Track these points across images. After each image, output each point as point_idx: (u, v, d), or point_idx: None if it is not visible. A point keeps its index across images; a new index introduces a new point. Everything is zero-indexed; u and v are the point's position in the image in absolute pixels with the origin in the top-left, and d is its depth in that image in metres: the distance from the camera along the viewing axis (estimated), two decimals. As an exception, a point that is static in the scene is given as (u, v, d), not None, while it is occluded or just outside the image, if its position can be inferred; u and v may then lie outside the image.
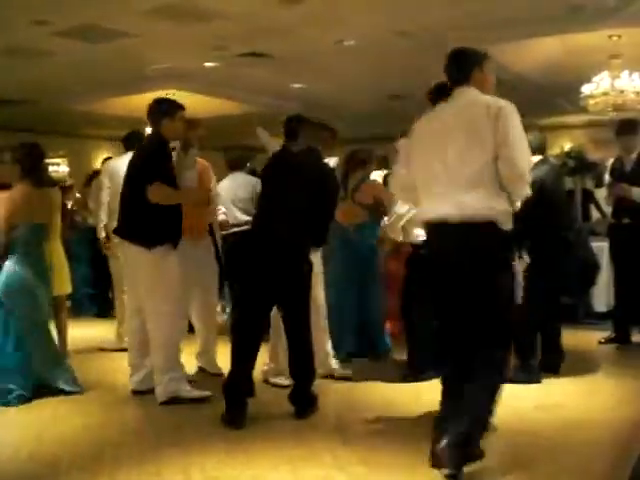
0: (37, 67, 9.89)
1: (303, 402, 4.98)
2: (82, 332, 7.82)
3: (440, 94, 4.37)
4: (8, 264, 5.61)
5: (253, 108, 12.48)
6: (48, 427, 4.81)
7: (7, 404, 5.28)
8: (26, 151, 5.85)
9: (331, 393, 5.40)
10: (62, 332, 6.86)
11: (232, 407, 4.74)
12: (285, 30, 8.23)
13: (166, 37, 8.55)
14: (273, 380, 5.72)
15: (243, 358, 4.85)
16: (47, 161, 7.91)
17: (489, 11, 7.66)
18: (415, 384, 5.62)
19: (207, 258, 6.17)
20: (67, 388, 5.61)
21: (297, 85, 11.25)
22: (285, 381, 5.46)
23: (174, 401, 5.20)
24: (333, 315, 6.03)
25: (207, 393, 5.30)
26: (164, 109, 5.43)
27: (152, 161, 5.25)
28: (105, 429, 4.78)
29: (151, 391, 5.31)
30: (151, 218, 5.18)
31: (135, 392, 5.51)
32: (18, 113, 13.31)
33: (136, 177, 5.28)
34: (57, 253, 6.66)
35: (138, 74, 10.32)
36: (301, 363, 4.98)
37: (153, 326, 5.29)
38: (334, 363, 5.94)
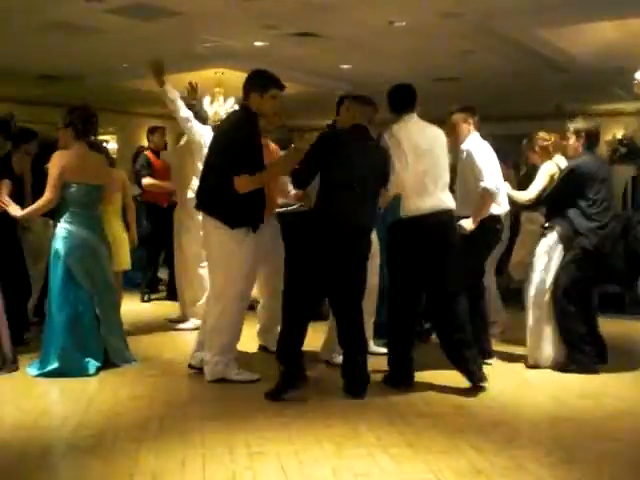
0: (87, 44, 9.96)
1: (354, 377, 5.00)
2: (134, 307, 7.88)
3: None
4: (63, 226, 5.59)
5: (301, 88, 12.45)
6: (95, 398, 4.89)
7: (86, 373, 5.42)
8: (79, 113, 5.88)
9: (376, 375, 5.37)
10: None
11: (291, 370, 4.87)
12: (336, 10, 8.17)
13: (217, 15, 8.54)
14: (335, 360, 5.69)
15: (299, 333, 4.95)
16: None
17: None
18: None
19: (276, 235, 6.11)
20: (121, 363, 5.70)
21: (346, 66, 11.20)
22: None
23: (222, 381, 5.23)
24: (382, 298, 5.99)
25: (256, 376, 5.29)
26: (256, 82, 5.25)
27: (239, 144, 5.06)
28: (151, 402, 4.84)
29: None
30: (237, 198, 5.05)
31: (191, 366, 5.50)
32: (68, 89, 13.43)
33: (223, 157, 5.11)
34: (117, 229, 6.83)
35: (187, 52, 10.34)
36: (352, 335, 5.03)
37: (216, 306, 5.23)
38: (373, 346, 5.95)
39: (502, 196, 5.86)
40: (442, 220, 5.17)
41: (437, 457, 3.88)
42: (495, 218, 5.78)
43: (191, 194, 6.74)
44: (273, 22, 8.80)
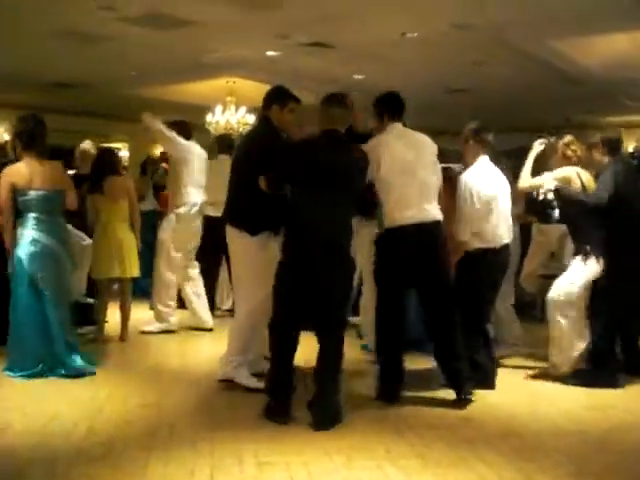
0: (99, 52, 10.01)
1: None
2: (143, 314, 7.90)
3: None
4: (23, 232, 5.67)
5: (313, 98, 12.47)
6: (105, 405, 4.90)
7: (30, 376, 5.52)
8: (24, 126, 5.90)
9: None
10: (125, 314, 7.03)
11: (279, 402, 4.70)
12: (349, 20, 8.20)
13: (229, 25, 8.57)
14: None
15: (288, 354, 4.78)
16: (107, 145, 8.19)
17: (551, 6, 7.52)
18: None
19: None
20: (81, 367, 5.71)
21: (358, 76, 11.22)
22: None
23: (230, 382, 5.29)
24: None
25: (262, 385, 5.21)
26: (278, 96, 5.44)
27: (264, 148, 5.15)
28: (160, 410, 4.85)
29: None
30: (257, 205, 5.14)
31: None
32: (79, 97, 13.51)
33: (247, 163, 5.26)
34: (126, 237, 6.90)
35: (199, 61, 10.38)
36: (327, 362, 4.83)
37: (243, 308, 5.33)
38: None
39: (502, 228, 5.54)
40: (425, 231, 5.04)
41: (446, 470, 3.88)
42: (488, 251, 5.48)
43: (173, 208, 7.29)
44: (285, 32, 8.83)
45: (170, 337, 7.27)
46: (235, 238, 5.33)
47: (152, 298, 7.61)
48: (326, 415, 4.55)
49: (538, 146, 6.18)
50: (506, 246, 5.55)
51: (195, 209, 7.37)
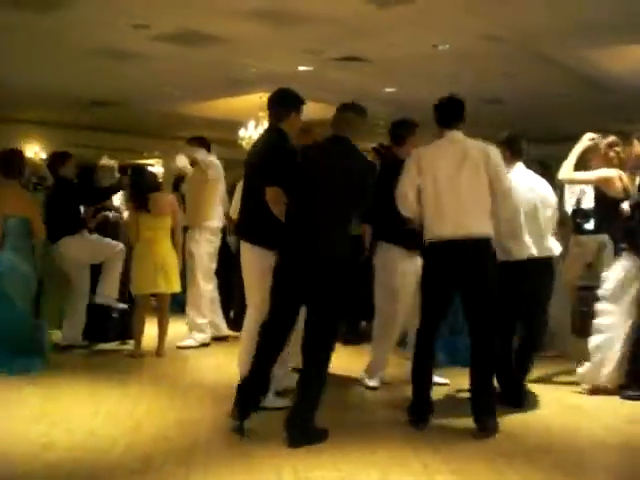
0: (134, 70, 10.16)
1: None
2: (180, 329, 7.98)
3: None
4: (11, 259, 6.32)
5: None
6: (143, 421, 4.93)
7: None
8: (5, 157, 6.63)
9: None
10: (162, 329, 7.10)
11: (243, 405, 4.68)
12: (380, 34, 8.23)
13: (261, 41, 8.66)
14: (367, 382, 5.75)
15: (269, 360, 4.75)
16: (142, 162, 8.41)
17: (583, 15, 7.49)
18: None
19: None
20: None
21: (389, 89, 11.24)
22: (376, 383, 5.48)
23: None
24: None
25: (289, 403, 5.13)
26: (294, 101, 5.22)
27: (276, 161, 4.95)
28: (197, 425, 4.87)
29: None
30: (272, 219, 4.90)
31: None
32: (114, 115, 13.70)
33: (258, 176, 5.07)
34: (169, 252, 7.00)
35: (232, 77, 10.48)
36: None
37: (252, 319, 5.18)
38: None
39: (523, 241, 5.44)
40: (463, 247, 4.77)
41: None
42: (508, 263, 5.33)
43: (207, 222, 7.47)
44: (316, 47, 8.89)
45: (205, 352, 7.34)
46: (247, 251, 5.21)
47: (188, 311, 7.68)
48: (294, 430, 4.45)
49: (586, 141, 6.07)
50: (536, 260, 5.41)
51: (223, 222, 7.57)
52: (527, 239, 5.37)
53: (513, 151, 5.57)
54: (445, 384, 5.87)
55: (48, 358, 6.50)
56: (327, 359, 4.61)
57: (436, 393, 5.36)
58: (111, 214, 7.88)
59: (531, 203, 5.40)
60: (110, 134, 14.97)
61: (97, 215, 7.97)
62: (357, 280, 7.18)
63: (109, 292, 7.36)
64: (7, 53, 9.20)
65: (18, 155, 6.74)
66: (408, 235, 5.33)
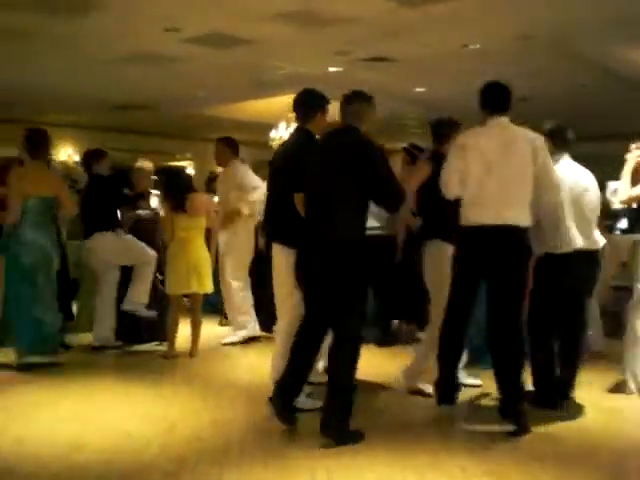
0: (164, 73, 10.23)
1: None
2: (213, 330, 8.03)
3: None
4: (25, 233, 6.34)
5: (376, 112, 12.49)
6: (176, 422, 4.94)
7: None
8: (28, 136, 6.63)
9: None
10: (195, 329, 7.12)
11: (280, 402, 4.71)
12: (410, 34, 8.21)
13: (290, 43, 8.68)
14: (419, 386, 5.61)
15: (305, 364, 4.77)
16: (174, 164, 8.45)
17: (614, 12, 7.40)
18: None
19: None
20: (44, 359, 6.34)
21: (420, 89, 11.21)
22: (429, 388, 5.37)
23: None
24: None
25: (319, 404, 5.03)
26: (319, 102, 5.23)
27: (302, 167, 4.88)
28: (231, 426, 4.87)
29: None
30: (300, 220, 4.88)
31: None
32: (146, 117, 13.81)
33: (285, 181, 5.07)
34: (203, 252, 7.02)
35: (262, 79, 10.51)
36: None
37: (284, 321, 5.22)
38: (466, 377, 5.81)
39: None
40: (500, 235, 4.71)
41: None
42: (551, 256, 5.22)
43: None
44: (346, 48, 8.89)
45: (238, 352, 7.36)
46: (278, 252, 5.20)
47: (225, 311, 7.82)
48: (329, 430, 4.45)
49: (635, 157, 5.78)
50: (581, 252, 5.23)
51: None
52: (574, 231, 5.22)
53: (558, 142, 5.41)
54: (477, 385, 5.82)
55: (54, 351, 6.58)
56: (354, 355, 4.55)
57: (469, 394, 5.35)
58: (144, 212, 7.87)
59: (577, 195, 5.27)
60: (142, 136, 15.10)
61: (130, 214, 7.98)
62: (390, 280, 7.18)
63: (138, 299, 7.33)
64: (40, 57, 9.30)
65: (43, 135, 6.72)
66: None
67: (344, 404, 4.49)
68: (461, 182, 4.86)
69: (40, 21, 7.75)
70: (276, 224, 5.29)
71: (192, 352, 7.04)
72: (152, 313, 7.40)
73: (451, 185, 4.91)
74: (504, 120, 4.91)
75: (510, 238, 4.74)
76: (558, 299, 5.28)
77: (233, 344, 7.59)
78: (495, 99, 4.97)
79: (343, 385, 4.52)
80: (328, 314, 4.63)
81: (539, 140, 4.86)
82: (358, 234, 4.62)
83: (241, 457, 4.25)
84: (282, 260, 5.16)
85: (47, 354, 6.42)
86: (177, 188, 7.05)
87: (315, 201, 4.70)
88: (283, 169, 5.15)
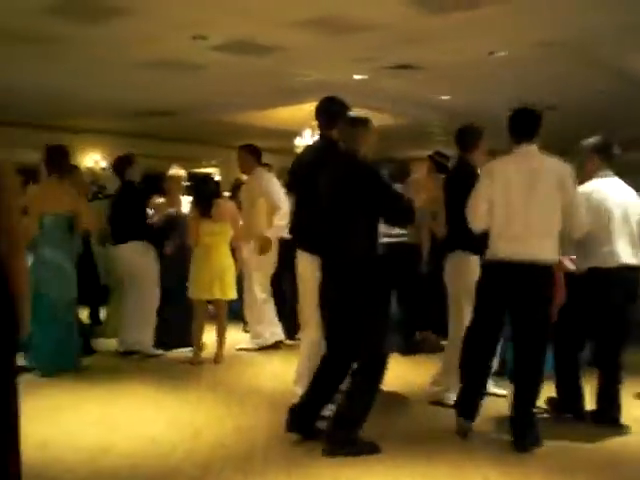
0: (191, 79, 10.31)
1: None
2: (237, 336, 8.07)
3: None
4: (44, 252, 6.41)
5: (400, 119, 12.50)
6: (201, 428, 4.98)
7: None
8: (47, 152, 6.66)
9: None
10: (221, 336, 7.17)
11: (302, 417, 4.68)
12: (435, 41, 8.22)
13: (316, 50, 8.71)
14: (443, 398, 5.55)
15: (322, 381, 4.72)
16: (200, 170, 8.48)
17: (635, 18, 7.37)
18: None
19: None
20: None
21: (445, 97, 11.19)
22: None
23: None
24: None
25: None
26: (340, 109, 5.17)
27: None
28: (255, 433, 4.89)
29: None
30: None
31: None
32: (172, 124, 13.90)
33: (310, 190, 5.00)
34: (225, 259, 7.07)
35: (288, 86, 10.55)
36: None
37: (310, 331, 5.20)
38: (493, 387, 5.76)
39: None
40: (527, 271, 4.60)
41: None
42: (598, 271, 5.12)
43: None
44: (371, 55, 8.90)
45: (262, 359, 7.38)
46: (304, 259, 5.21)
47: (247, 318, 7.85)
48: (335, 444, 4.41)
49: None
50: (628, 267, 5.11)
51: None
52: (620, 246, 5.09)
53: (605, 157, 5.25)
54: (503, 395, 5.78)
55: (78, 361, 6.66)
56: (378, 374, 4.52)
57: (494, 404, 5.32)
58: (173, 210, 7.90)
59: (622, 210, 5.13)
60: (168, 143, 15.20)
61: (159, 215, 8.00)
62: (414, 289, 7.17)
63: (143, 338, 7.33)
64: (66, 63, 9.40)
65: (62, 152, 6.77)
66: (482, 243, 5.05)
67: (359, 417, 4.46)
68: (489, 212, 4.76)
69: (66, 26, 7.83)
70: (303, 231, 5.29)
71: (217, 358, 7.08)
72: (160, 352, 7.41)
73: (479, 216, 4.80)
74: (532, 148, 4.77)
75: (537, 275, 4.64)
76: (600, 314, 5.14)
77: (247, 350, 7.63)
78: (522, 126, 4.82)
79: (363, 403, 4.48)
80: (351, 339, 4.57)
81: (569, 170, 4.73)
82: (371, 251, 4.60)
83: (265, 465, 4.27)
84: (307, 267, 5.16)
85: (64, 368, 6.46)
86: (203, 194, 7.10)
87: (326, 219, 4.68)
88: (306, 176, 5.13)
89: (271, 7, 7.24)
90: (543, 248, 4.63)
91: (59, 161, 6.70)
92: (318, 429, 4.64)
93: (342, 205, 4.58)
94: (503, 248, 4.68)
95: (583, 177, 5.26)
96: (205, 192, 7.11)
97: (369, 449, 4.44)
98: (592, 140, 5.32)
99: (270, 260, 7.63)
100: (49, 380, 6.19)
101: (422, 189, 6.72)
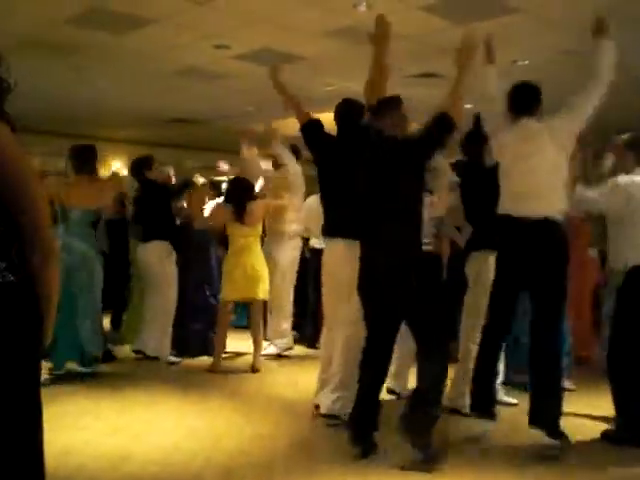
0: (213, 88, 10.36)
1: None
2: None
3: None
4: (68, 241, 6.45)
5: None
6: (222, 436, 4.98)
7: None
8: (75, 151, 6.78)
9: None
10: (257, 338, 7.14)
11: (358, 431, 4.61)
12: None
13: (338, 59, 8.72)
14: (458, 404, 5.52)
15: (370, 384, 4.66)
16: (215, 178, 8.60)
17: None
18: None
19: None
20: (82, 369, 6.50)
21: (468, 105, 11.14)
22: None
23: (335, 418, 5.16)
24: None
25: None
26: (359, 111, 5.36)
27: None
28: (275, 441, 4.89)
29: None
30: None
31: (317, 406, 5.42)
32: (195, 132, 13.97)
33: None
34: (257, 258, 7.07)
35: (311, 95, 10.54)
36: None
37: (345, 337, 5.16)
38: (504, 396, 5.75)
39: None
40: (533, 227, 4.64)
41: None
42: None
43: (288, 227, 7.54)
44: (394, 64, 8.86)
45: (282, 367, 7.38)
46: (338, 249, 5.21)
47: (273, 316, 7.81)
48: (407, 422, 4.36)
49: None
50: None
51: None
52: None
53: (638, 156, 5.09)
54: (514, 404, 5.74)
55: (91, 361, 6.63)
56: (444, 365, 4.47)
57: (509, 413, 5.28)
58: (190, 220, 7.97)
59: None
60: (191, 151, 15.27)
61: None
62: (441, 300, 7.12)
63: (161, 346, 7.36)
64: (89, 72, 9.47)
65: (89, 150, 6.81)
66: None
67: (434, 415, 4.43)
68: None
69: (90, 37, 7.90)
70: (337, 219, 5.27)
71: (255, 365, 7.05)
72: (178, 359, 7.43)
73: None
74: (532, 122, 4.84)
75: (548, 231, 4.65)
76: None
77: (268, 356, 7.62)
78: (521, 100, 4.90)
79: (435, 398, 4.45)
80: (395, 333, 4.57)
81: (551, 121, 4.81)
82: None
83: (286, 473, 4.26)
84: (338, 261, 5.15)
85: (84, 364, 6.53)
86: (235, 198, 7.10)
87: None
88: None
89: (292, 17, 7.27)
90: (547, 205, 4.66)
91: (89, 160, 6.77)
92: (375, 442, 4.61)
93: (402, 186, 4.47)
94: (508, 208, 4.76)
95: (616, 172, 5.21)
96: (236, 196, 7.12)
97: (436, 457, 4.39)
98: (623, 137, 5.21)
99: (295, 256, 7.68)
100: (70, 386, 6.21)
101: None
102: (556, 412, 4.63)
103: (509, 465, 4.44)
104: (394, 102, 4.75)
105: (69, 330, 6.39)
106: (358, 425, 4.59)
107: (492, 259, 5.12)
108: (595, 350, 6.90)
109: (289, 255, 7.66)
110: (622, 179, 5.01)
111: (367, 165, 4.63)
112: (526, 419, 4.73)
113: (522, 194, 4.74)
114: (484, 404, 4.91)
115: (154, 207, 7.42)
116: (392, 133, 4.58)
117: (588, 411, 5.58)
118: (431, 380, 4.39)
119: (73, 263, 6.44)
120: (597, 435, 4.98)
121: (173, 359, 7.37)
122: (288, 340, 7.76)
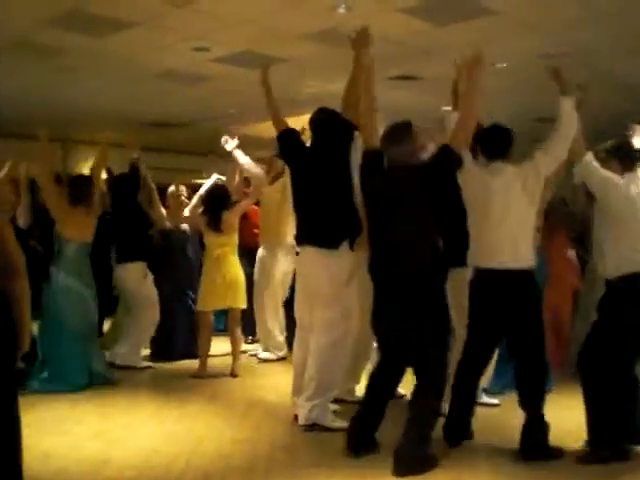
0: (195, 91, 10.33)
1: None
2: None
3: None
4: (65, 279, 6.39)
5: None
6: (201, 441, 4.97)
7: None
8: (72, 181, 6.78)
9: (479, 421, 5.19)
10: (235, 347, 7.13)
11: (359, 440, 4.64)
12: (437, 53, 8.23)
13: (319, 61, 8.72)
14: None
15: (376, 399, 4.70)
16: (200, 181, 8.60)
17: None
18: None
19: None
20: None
21: (447, 107, 11.17)
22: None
23: (314, 426, 5.15)
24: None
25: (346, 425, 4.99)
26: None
27: None
28: (255, 445, 4.88)
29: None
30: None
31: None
32: (177, 136, 13.92)
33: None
34: (234, 267, 7.07)
35: (294, 97, 10.55)
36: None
37: (324, 342, 5.17)
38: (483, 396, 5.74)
39: None
40: (502, 280, 4.61)
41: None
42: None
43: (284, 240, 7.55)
44: (375, 66, 8.90)
45: (265, 370, 7.38)
46: (323, 258, 5.22)
47: (269, 325, 7.86)
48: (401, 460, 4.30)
49: None
50: None
51: None
52: None
53: (627, 161, 4.84)
54: (495, 405, 5.75)
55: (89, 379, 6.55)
56: (442, 385, 4.51)
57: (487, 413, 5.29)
58: (171, 225, 7.95)
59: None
60: (172, 155, 15.21)
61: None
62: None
63: (133, 356, 7.37)
64: (71, 74, 9.42)
65: (85, 181, 6.76)
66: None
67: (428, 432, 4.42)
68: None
69: (71, 38, 7.86)
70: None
71: (234, 371, 7.05)
72: (148, 364, 7.45)
73: None
74: (503, 166, 4.75)
75: (520, 281, 4.64)
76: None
77: (266, 361, 7.74)
78: (495, 145, 4.84)
79: (431, 415, 4.46)
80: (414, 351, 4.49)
81: (525, 165, 4.74)
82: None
83: (266, 477, 4.26)
84: (308, 263, 5.25)
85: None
86: (212, 210, 7.10)
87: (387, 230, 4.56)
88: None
89: (273, 19, 7.27)
90: (516, 257, 4.61)
91: (85, 191, 6.65)
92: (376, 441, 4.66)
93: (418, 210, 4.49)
94: (480, 258, 4.73)
95: None
96: (214, 207, 7.12)
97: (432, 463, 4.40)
98: (608, 144, 4.98)
99: (289, 269, 7.62)
100: (51, 392, 6.16)
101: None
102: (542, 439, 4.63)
103: (489, 464, 4.47)
104: (406, 130, 4.74)
105: (71, 364, 6.39)
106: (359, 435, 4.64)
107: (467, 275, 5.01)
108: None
109: (283, 269, 7.72)
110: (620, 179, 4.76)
111: (378, 193, 4.65)
112: (507, 419, 4.73)
113: (492, 245, 4.67)
114: (456, 436, 4.85)
115: (128, 223, 7.46)
116: (406, 161, 4.58)
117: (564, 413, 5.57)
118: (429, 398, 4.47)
119: (68, 305, 6.40)
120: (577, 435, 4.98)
121: (146, 364, 7.39)
122: (285, 352, 7.82)
